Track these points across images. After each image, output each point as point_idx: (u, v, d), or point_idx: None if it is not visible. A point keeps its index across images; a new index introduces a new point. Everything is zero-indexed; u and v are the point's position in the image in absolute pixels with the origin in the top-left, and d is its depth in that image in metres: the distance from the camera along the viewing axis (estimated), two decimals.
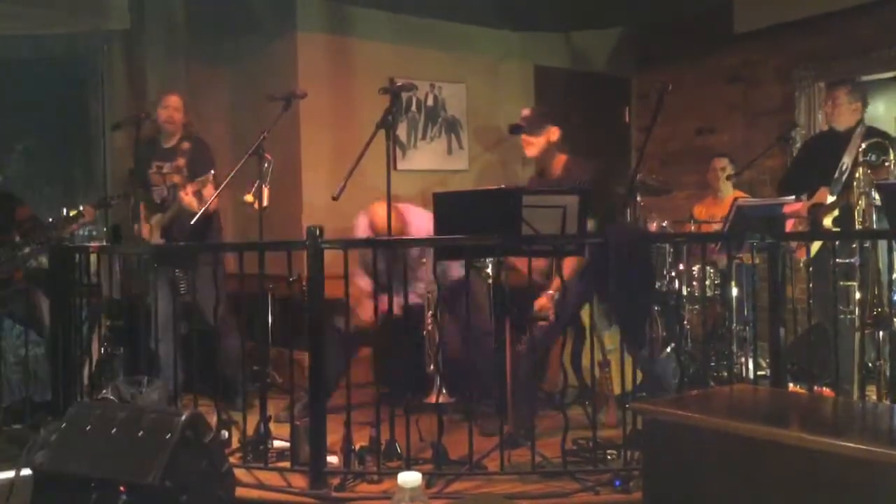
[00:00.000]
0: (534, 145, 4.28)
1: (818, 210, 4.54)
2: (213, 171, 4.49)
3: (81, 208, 4.97)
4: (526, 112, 4.41)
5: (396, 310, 4.08)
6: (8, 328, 4.78)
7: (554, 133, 4.28)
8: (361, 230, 4.67)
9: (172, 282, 4.55)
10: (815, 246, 4.23)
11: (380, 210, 4.29)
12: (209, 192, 4.45)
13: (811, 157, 4.97)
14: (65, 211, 5.16)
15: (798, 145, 6.07)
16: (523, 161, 6.82)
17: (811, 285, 3.68)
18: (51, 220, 5.03)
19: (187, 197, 4.49)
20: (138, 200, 4.80)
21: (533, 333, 3.89)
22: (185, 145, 4.78)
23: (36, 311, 4.78)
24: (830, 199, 4.47)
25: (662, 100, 3.89)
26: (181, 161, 4.68)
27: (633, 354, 3.90)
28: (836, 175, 4.44)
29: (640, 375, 4.09)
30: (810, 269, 3.75)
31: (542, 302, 4.07)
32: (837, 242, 3.96)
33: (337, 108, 5.93)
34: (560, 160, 4.31)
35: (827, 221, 4.48)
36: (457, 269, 4.25)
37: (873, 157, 4.20)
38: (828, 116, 4.93)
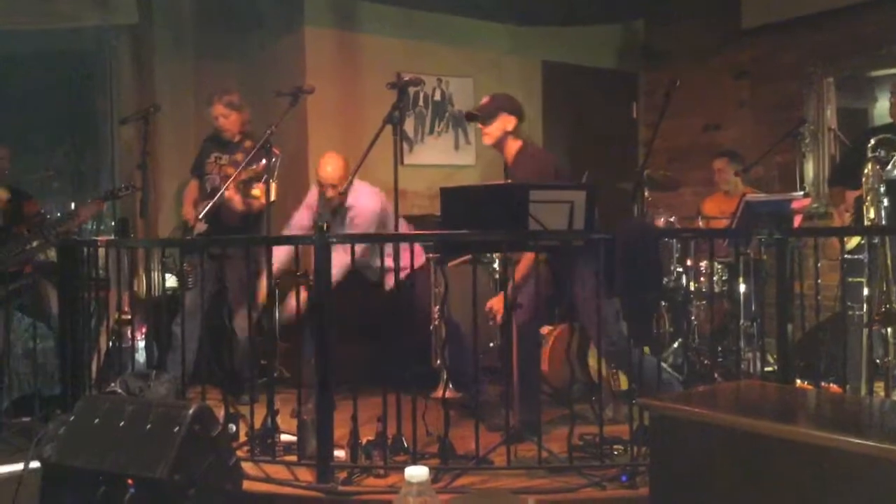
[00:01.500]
0: (489, 135, 4.22)
1: (862, 201, 4.50)
2: (263, 162, 4.53)
3: (73, 206, 5.04)
4: (484, 100, 4.32)
5: None
6: (17, 321, 4.79)
7: (509, 122, 4.19)
8: (308, 203, 4.91)
9: (180, 273, 4.59)
10: (854, 240, 4.21)
11: (325, 159, 4.64)
12: (259, 187, 4.57)
13: (862, 149, 4.93)
14: (73, 205, 5.18)
15: (806, 141, 6.05)
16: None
17: (819, 281, 3.66)
18: (59, 214, 5.05)
19: (228, 192, 4.58)
20: (148, 191, 4.83)
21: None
22: (248, 144, 4.85)
23: (44, 305, 4.80)
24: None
25: (670, 95, 3.88)
26: (240, 156, 4.75)
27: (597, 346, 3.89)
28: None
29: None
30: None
31: (493, 303, 4.08)
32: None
33: (344, 103, 5.93)
34: (513, 149, 4.24)
35: (871, 214, 4.44)
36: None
37: (882, 153, 4.18)
38: (892, 108, 4.86)
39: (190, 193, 5.19)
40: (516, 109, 4.23)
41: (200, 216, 4.38)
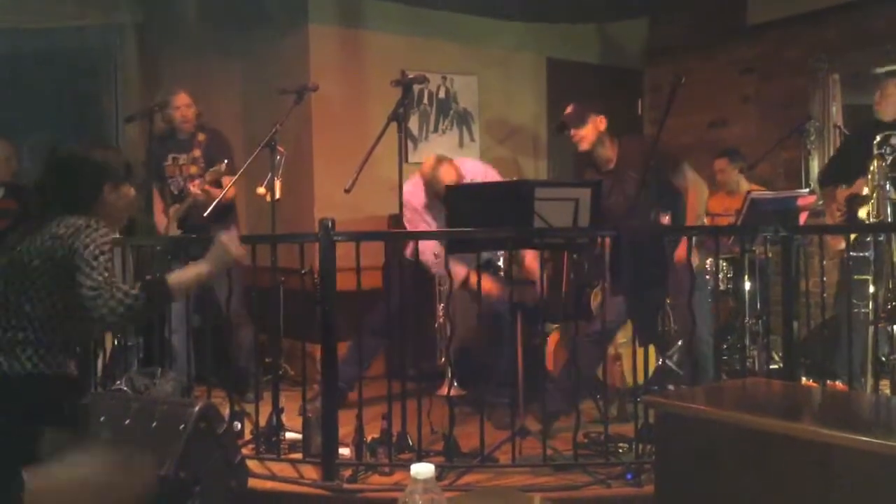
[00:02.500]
0: (584, 138, 4.23)
1: (854, 201, 4.49)
2: (226, 160, 4.50)
3: None
4: (568, 109, 4.35)
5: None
6: None
7: (601, 121, 4.25)
8: (416, 194, 4.54)
9: None
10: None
11: (436, 169, 4.39)
12: (226, 181, 4.49)
13: (853, 148, 4.91)
14: None
15: (812, 137, 6.03)
16: (535, 154, 6.82)
17: (825, 279, 3.66)
18: None
19: (195, 189, 4.53)
20: (152, 193, 4.83)
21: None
22: (201, 136, 4.83)
23: None
24: (867, 190, 4.41)
25: (676, 92, 3.87)
26: (197, 152, 4.72)
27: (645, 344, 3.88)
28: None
29: (650, 369, 4.08)
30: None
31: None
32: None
33: (349, 101, 5.93)
34: (613, 146, 4.29)
35: (862, 213, 4.43)
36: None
37: (887, 150, 4.17)
38: (875, 106, 4.85)
39: (157, 202, 5.04)
40: (602, 109, 4.28)
41: (176, 222, 4.37)
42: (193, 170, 4.65)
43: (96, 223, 2.50)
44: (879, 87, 4.84)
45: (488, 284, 4.23)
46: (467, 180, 4.44)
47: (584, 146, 4.25)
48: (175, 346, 4.43)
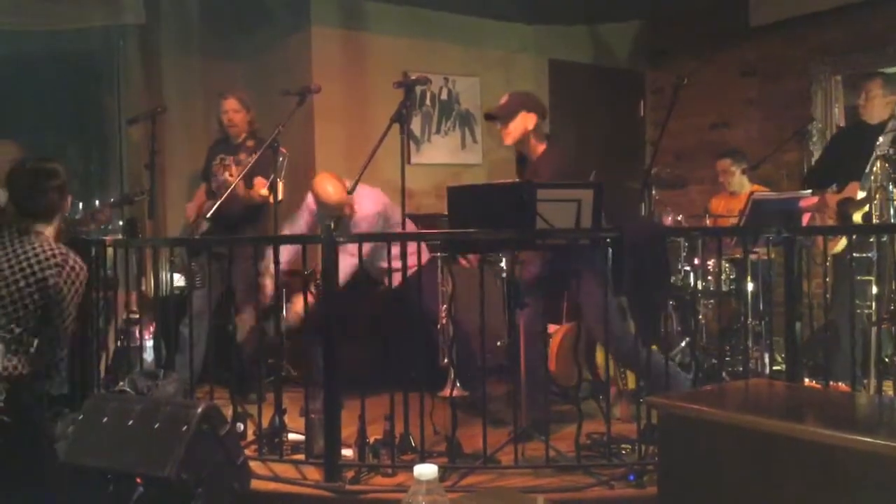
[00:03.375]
0: (509, 134, 4.10)
1: (848, 204, 4.48)
2: (255, 154, 4.57)
3: (97, 206, 5.06)
4: (503, 99, 4.21)
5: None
6: None
7: (529, 120, 4.08)
8: (307, 205, 4.81)
9: (189, 272, 4.60)
10: (842, 243, 4.19)
11: (323, 182, 4.48)
12: (260, 184, 4.64)
13: (839, 151, 4.90)
14: (80, 205, 5.20)
15: (814, 139, 6.03)
16: None
17: (827, 279, 3.66)
18: (77, 217, 5.08)
19: (231, 177, 4.67)
20: (154, 196, 4.85)
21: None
22: (251, 143, 4.94)
23: None
24: (861, 194, 4.40)
25: (678, 94, 3.87)
26: (243, 155, 4.85)
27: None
28: (868, 170, 4.36)
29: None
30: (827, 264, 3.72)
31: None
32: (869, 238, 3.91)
33: (351, 102, 5.94)
34: (537, 149, 4.14)
35: (857, 217, 4.42)
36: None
37: (892, 152, 4.16)
38: (859, 109, 4.83)
39: (198, 197, 5.25)
40: (537, 107, 4.12)
41: (208, 215, 4.39)
42: (234, 171, 4.81)
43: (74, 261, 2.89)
44: (863, 88, 4.80)
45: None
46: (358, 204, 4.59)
47: (509, 140, 4.12)
48: (185, 337, 4.47)
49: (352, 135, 5.81)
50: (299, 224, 4.86)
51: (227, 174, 4.81)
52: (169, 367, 4.08)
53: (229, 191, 4.35)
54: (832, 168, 4.82)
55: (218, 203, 4.26)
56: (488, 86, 6.58)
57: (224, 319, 4.39)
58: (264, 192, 4.37)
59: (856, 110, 4.89)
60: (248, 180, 4.69)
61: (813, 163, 5.77)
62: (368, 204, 4.69)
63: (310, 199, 4.78)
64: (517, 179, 4.23)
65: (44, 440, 2.84)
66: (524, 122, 4.09)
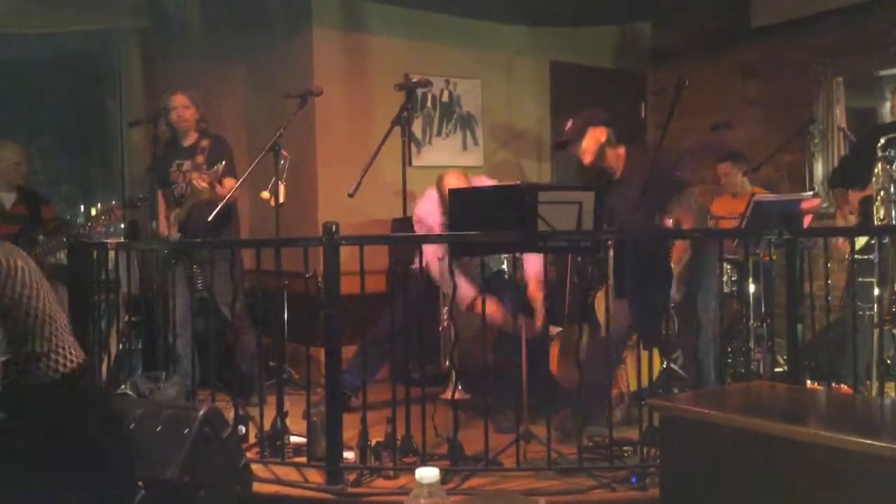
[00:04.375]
0: (587, 152, 4.16)
1: (871, 203, 4.46)
2: (223, 162, 4.50)
3: (113, 205, 5.04)
4: (567, 125, 4.26)
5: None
6: None
7: (601, 133, 4.15)
8: (431, 204, 4.51)
9: (190, 277, 4.58)
10: (861, 241, 4.18)
11: (451, 180, 4.26)
12: (229, 184, 4.49)
13: (866, 149, 4.88)
14: (81, 208, 5.21)
15: (815, 140, 6.02)
16: (538, 158, 6.83)
17: (829, 281, 3.65)
18: (80, 220, 5.08)
19: (198, 183, 4.52)
20: (156, 198, 4.85)
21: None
22: (205, 143, 4.84)
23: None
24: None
25: (679, 95, 3.86)
26: (200, 158, 4.73)
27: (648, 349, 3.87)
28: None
29: (655, 372, 4.07)
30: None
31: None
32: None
33: (352, 105, 5.94)
34: (619, 156, 4.19)
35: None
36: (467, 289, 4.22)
37: (892, 153, 4.16)
38: (893, 109, 4.81)
39: (161, 207, 5.07)
40: (603, 120, 4.16)
41: (178, 229, 4.36)
42: (195, 177, 4.65)
43: None
44: (894, 90, 4.81)
45: (492, 307, 4.18)
46: None
47: (589, 159, 4.17)
48: (178, 351, 4.43)
49: (353, 137, 5.81)
50: (431, 224, 4.59)
51: (196, 182, 4.59)
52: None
53: (192, 199, 4.29)
54: (859, 167, 4.80)
55: (184, 210, 4.22)
56: (489, 88, 6.58)
57: (219, 321, 4.38)
58: (265, 194, 4.36)
59: (875, 111, 4.88)
60: (211, 188, 4.57)
61: (837, 162, 5.76)
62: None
63: (430, 220, 4.54)
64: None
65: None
66: (595, 136, 4.13)
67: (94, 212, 5.02)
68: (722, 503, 2.17)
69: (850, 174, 4.85)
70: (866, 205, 4.53)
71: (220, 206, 4.24)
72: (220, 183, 4.52)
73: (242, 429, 3.88)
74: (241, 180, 4.34)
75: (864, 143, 5.06)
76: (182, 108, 4.88)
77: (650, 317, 3.96)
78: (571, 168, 6.19)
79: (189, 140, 4.92)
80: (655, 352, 4.01)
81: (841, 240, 4.61)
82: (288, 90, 4.40)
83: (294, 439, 3.83)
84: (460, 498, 3.26)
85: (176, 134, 4.96)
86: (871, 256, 4.14)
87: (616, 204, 4.08)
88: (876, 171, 4.21)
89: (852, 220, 4.65)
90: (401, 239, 4.06)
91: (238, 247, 4.58)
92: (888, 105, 4.89)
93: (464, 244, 3.78)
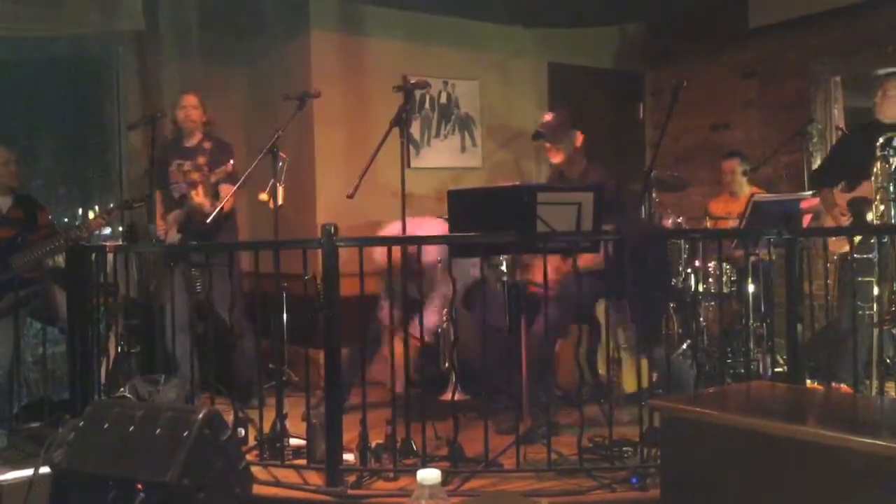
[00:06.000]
0: (560, 152, 4.15)
1: (861, 203, 4.46)
2: (231, 162, 4.50)
3: (98, 211, 5.03)
4: (547, 117, 4.24)
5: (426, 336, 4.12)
6: (26, 328, 4.80)
7: (578, 138, 4.15)
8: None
9: (188, 280, 4.58)
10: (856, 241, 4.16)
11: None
12: (225, 191, 4.47)
13: (850, 149, 4.87)
14: (80, 211, 5.20)
15: (814, 140, 6.03)
16: (537, 158, 6.82)
17: (829, 281, 3.65)
18: (76, 223, 5.07)
19: (198, 198, 4.53)
20: (154, 199, 4.83)
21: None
22: (207, 144, 4.85)
23: (54, 310, 4.80)
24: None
25: (677, 96, 3.86)
26: (201, 159, 4.73)
27: (647, 356, 3.87)
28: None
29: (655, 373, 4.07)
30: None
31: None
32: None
33: (351, 107, 5.94)
34: (581, 166, 4.22)
35: (870, 216, 4.39)
36: (476, 269, 4.22)
37: (891, 152, 4.16)
38: (875, 107, 4.80)
39: (158, 207, 5.00)
40: (579, 122, 4.17)
41: (177, 231, 4.35)
42: (196, 176, 4.64)
43: None
44: (880, 87, 4.79)
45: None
46: None
47: (558, 159, 4.15)
48: (177, 355, 4.43)
49: (351, 139, 5.81)
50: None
51: (192, 192, 4.62)
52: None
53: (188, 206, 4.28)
54: (840, 167, 4.79)
55: (183, 214, 4.21)
56: (487, 89, 6.59)
57: (217, 324, 4.37)
58: (264, 196, 4.36)
59: (871, 110, 4.86)
60: (214, 192, 4.60)
61: (819, 162, 5.75)
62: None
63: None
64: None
65: None
66: (574, 141, 4.13)
67: (91, 214, 4.99)
68: (722, 503, 2.16)
69: (836, 174, 4.82)
70: (856, 206, 4.52)
71: (216, 211, 4.23)
72: (218, 196, 4.54)
73: (242, 431, 3.87)
74: (237, 185, 4.33)
75: (852, 143, 5.04)
76: (191, 108, 4.90)
77: (650, 317, 3.96)
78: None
79: (192, 140, 4.93)
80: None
81: (833, 239, 4.60)
82: (286, 92, 4.39)
83: (294, 441, 3.83)
84: (461, 499, 3.25)
85: (180, 133, 4.97)
86: (870, 255, 4.14)
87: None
88: (875, 169, 4.22)
89: (844, 221, 4.64)
90: (400, 240, 4.06)
91: (236, 249, 4.57)
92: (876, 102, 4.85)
93: (463, 245, 3.78)
